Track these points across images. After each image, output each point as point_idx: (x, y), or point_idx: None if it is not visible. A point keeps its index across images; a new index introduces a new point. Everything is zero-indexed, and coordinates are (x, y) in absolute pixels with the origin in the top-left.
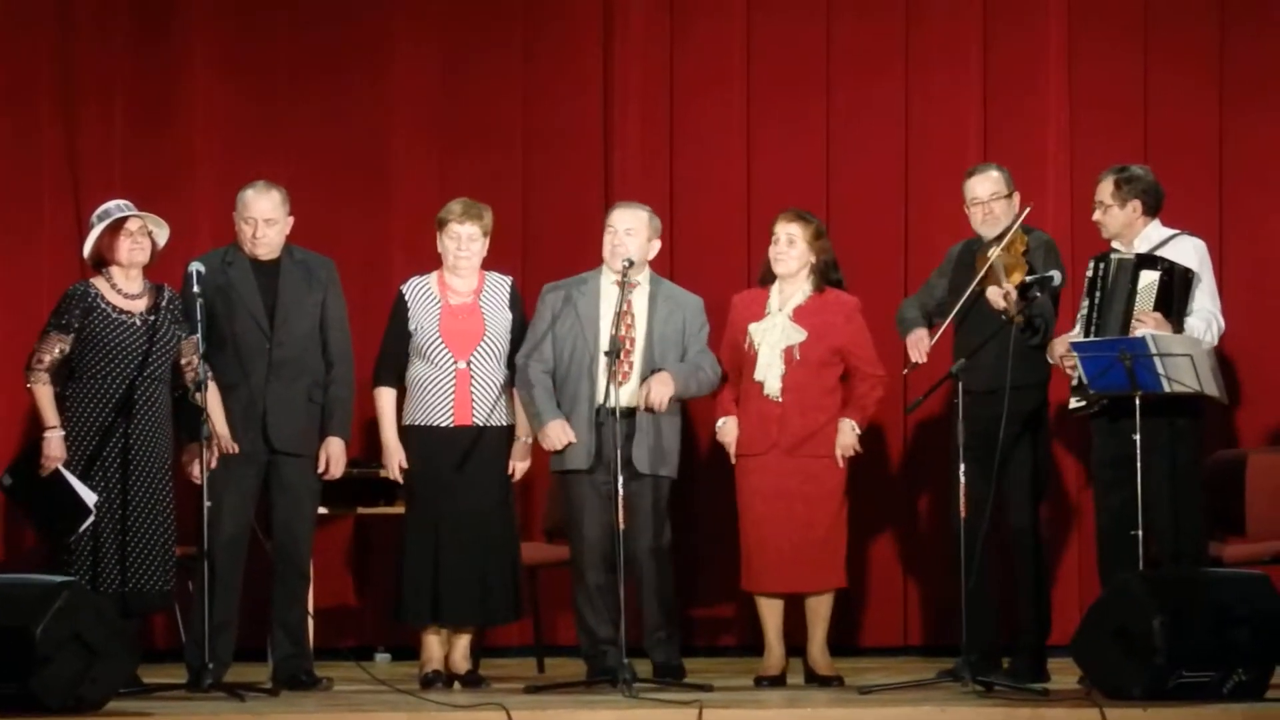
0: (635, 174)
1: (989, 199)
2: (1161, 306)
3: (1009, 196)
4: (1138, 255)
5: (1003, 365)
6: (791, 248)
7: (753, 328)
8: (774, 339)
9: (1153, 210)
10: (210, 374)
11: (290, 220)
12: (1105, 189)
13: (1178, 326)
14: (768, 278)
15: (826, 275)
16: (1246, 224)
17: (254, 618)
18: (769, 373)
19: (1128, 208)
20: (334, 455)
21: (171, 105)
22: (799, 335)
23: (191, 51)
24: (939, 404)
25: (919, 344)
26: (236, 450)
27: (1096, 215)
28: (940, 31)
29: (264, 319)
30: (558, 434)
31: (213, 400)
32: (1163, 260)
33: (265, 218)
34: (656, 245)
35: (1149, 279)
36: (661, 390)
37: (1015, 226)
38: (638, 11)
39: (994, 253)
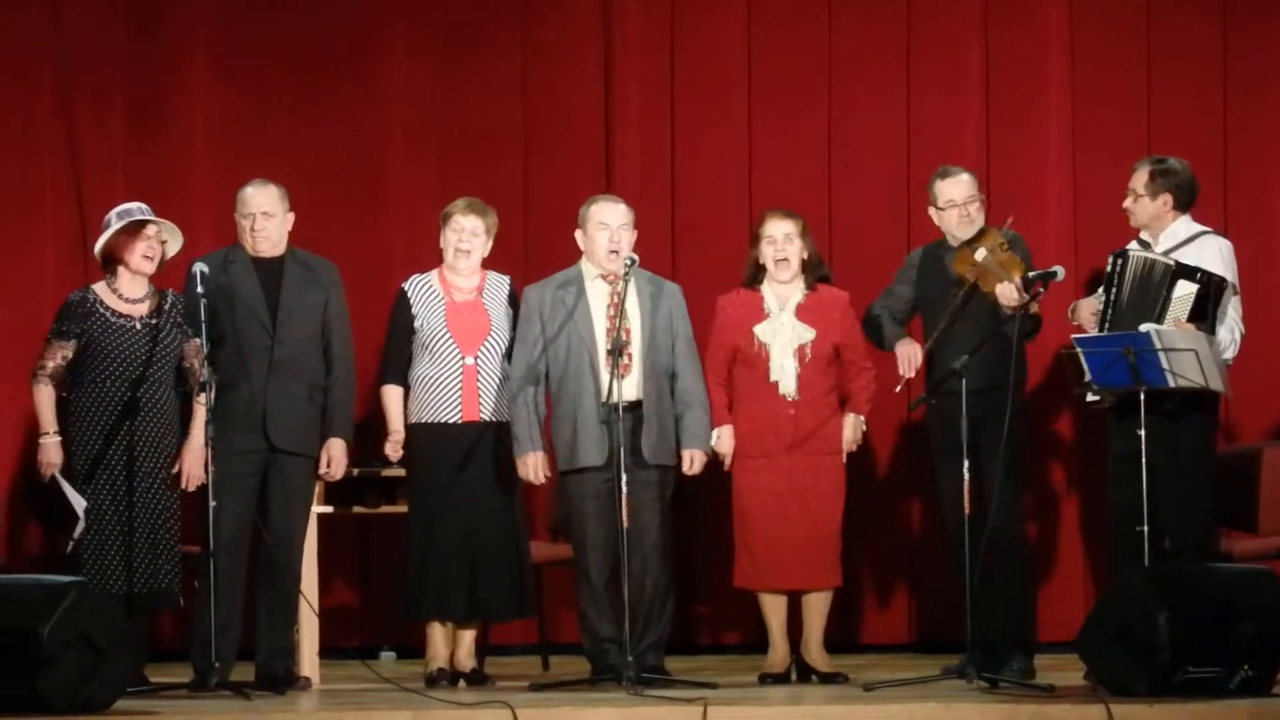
0: (636, 173)
1: (966, 202)
2: (1195, 317)
3: (981, 201)
4: (1177, 263)
5: (993, 365)
6: (791, 245)
7: (759, 329)
8: (785, 339)
9: (1184, 206)
10: (214, 376)
11: (290, 217)
12: (1139, 178)
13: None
14: (756, 279)
15: (817, 271)
16: (1250, 222)
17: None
18: (784, 373)
19: (1159, 200)
20: (335, 456)
21: (170, 107)
22: (809, 334)
23: (189, 53)
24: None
25: (912, 360)
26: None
27: (1127, 203)
28: (941, 30)
29: (266, 317)
30: (535, 468)
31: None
32: (1201, 272)
33: (263, 210)
34: (635, 235)
35: (1186, 289)
36: (701, 465)
37: (991, 228)
38: (637, 9)
39: (981, 255)
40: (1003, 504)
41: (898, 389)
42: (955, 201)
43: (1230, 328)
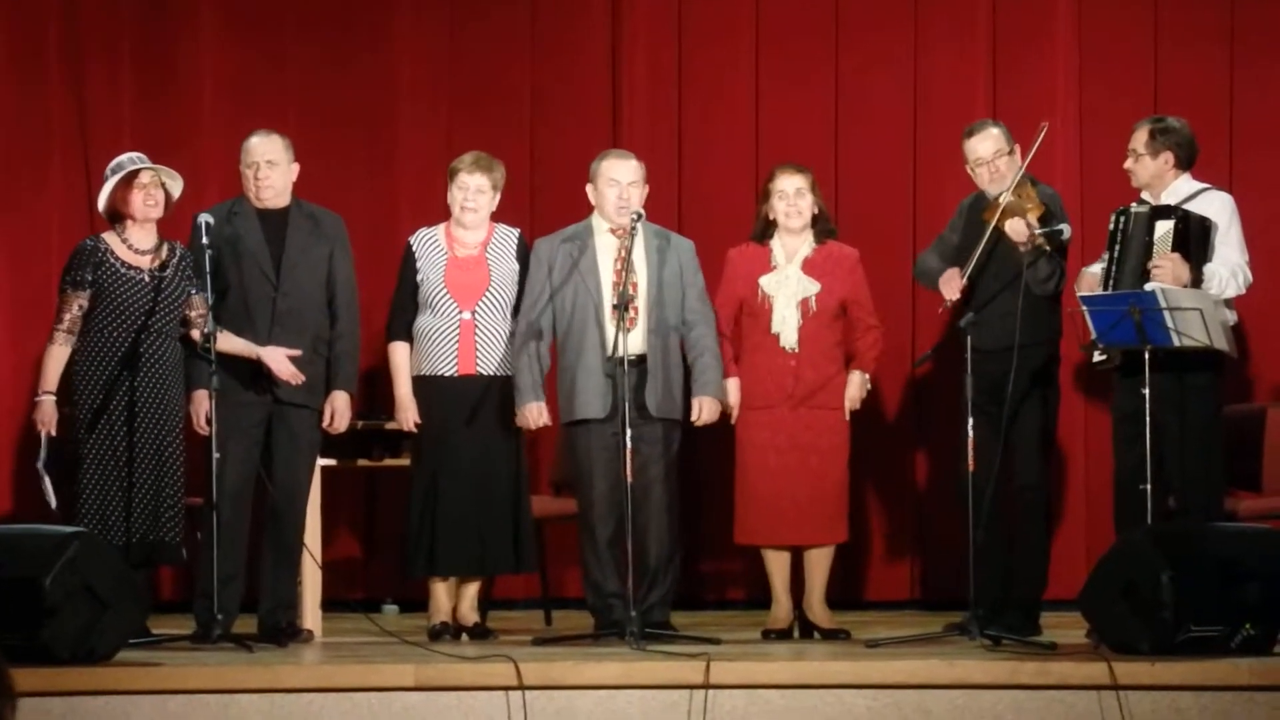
0: (643, 128)
1: (993, 157)
2: (1178, 252)
3: (1011, 153)
4: (1152, 207)
5: (1012, 322)
6: (802, 199)
7: (764, 280)
8: (789, 291)
9: (1185, 164)
10: (219, 328)
11: (295, 167)
12: (1139, 138)
13: (1196, 272)
14: (766, 233)
15: (824, 226)
16: (1256, 180)
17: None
18: (785, 325)
19: (1159, 159)
20: (339, 409)
21: (178, 62)
22: (814, 286)
23: (198, 8)
24: (946, 359)
25: (951, 281)
26: (300, 379)
27: (1128, 163)
28: None
29: (270, 269)
30: (534, 416)
31: (227, 340)
32: (1177, 209)
33: (267, 159)
34: (646, 190)
35: (1164, 228)
36: (712, 413)
37: (1020, 175)
38: None
39: (1005, 197)
40: (1030, 461)
41: (941, 310)
42: (983, 159)
43: (1231, 267)
